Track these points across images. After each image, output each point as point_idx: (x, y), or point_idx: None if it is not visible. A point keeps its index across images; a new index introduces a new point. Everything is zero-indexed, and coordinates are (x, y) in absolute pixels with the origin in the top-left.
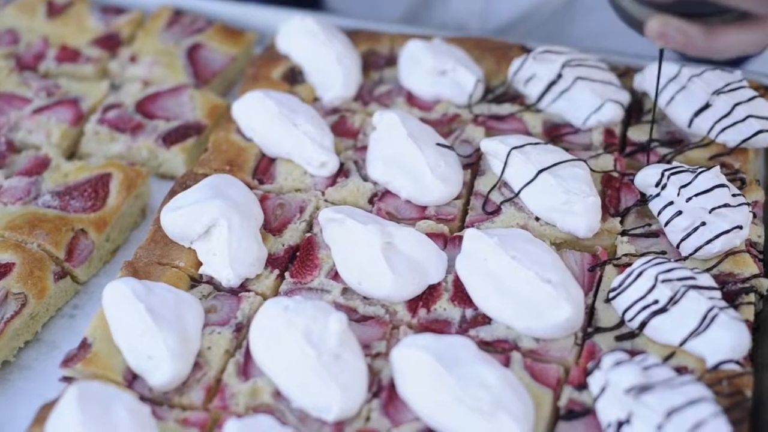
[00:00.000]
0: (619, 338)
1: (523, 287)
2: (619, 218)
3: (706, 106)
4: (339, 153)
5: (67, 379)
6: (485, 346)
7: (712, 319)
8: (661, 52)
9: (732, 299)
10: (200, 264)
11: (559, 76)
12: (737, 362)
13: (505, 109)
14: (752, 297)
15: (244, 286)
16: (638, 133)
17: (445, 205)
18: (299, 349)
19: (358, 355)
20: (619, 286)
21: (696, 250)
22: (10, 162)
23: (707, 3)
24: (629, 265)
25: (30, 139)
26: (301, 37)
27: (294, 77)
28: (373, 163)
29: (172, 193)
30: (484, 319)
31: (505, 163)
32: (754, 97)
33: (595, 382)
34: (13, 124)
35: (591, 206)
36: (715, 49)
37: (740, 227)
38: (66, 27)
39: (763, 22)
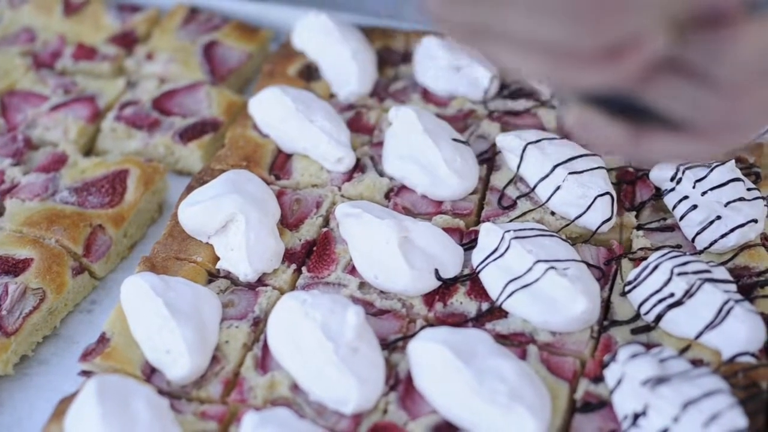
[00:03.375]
0: (634, 331)
1: (540, 281)
2: (634, 212)
3: None
4: (355, 149)
5: (86, 373)
6: (501, 339)
7: (728, 312)
8: None
9: (747, 292)
10: (218, 259)
11: None
12: (753, 355)
13: (521, 104)
14: (767, 290)
15: (261, 281)
16: None
17: (461, 200)
18: (317, 342)
19: (375, 349)
20: (635, 279)
21: (711, 244)
22: (27, 159)
23: (635, 104)
24: (645, 258)
25: (47, 136)
26: (316, 34)
27: (310, 74)
28: (389, 159)
29: (190, 189)
30: (501, 313)
31: (521, 158)
32: None
33: (611, 374)
34: (31, 121)
35: (606, 201)
36: (642, 155)
37: (755, 221)
38: (82, 25)
39: (701, 133)
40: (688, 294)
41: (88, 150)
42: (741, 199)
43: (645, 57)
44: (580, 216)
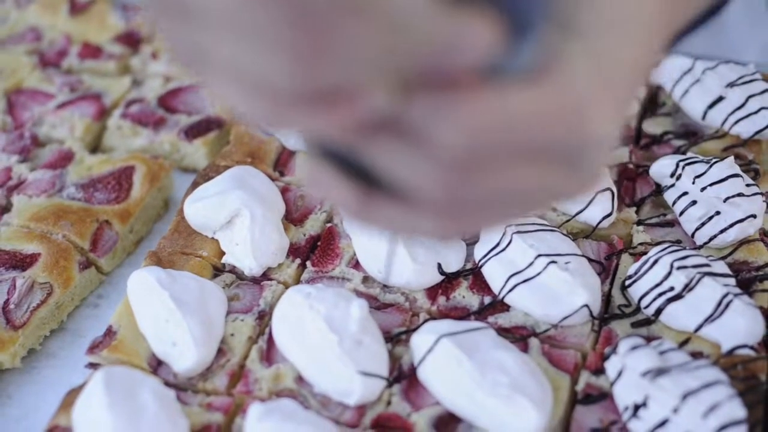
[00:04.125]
0: (635, 325)
1: (541, 275)
2: (634, 208)
3: (720, 98)
4: None
5: (93, 366)
6: (503, 332)
7: (727, 305)
8: None
9: (746, 287)
10: (223, 254)
11: None
12: (752, 347)
13: None
14: (766, 284)
15: (266, 275)
16: (653, 126)
17: None
18: (321, 334)
19: (379, 341)
20: (635, 273)
21: (711, 239)
22: (34, 156)
23: (362, 163)
24: (645, 253)
25: (54, 133)
26: None
27: None
28: None
29: (195, 185)
30: (503, 307)
31: None
32: (767, 90)
33: (611, 366)
34: (37, 118)
35: (607, 196)
36: (370, 220)
37: (754, 216)
38: (88, 24)
39: (428, 207)
40: (688, 288)
41: (95, 147)
42: (740, 194)
43: (359, 111)
44: (581, 211)
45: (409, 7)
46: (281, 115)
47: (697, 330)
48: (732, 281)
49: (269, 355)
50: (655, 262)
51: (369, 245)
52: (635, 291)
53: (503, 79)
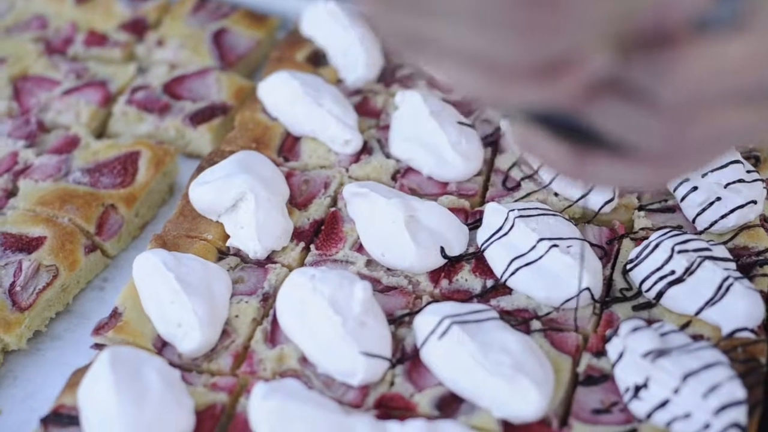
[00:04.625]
0: (636, 308)
1: (543, 258)
2: (636, 194)
3: None
4: (362, 132)
5: (98, 347)
6: (506, 315)
7: (728, 289)
8: None
9: (746, 271)
10: (228, 237)
11: None
12: (752, 330)
13: None
14: (767, 269)
15: (270, 258)
16: None
17: (466, 181)
18: (325, 315)
19: (382, 323)
20: (637, 257)
21: (711, 225)
22: (40, 141)
23: (579, 124)
24: (646, 238)
25: (60, 119)
26: (324, 21)
27: (318, 60)
28: (395, 141)
29: (200, 169)
30: (505, 290)
31: None
32: None
33: (613, 348)
34: (44, 105)
35: None
36: (586, 177)
37: (754, 202)
38: (94, 12)
39: (646, 159)
40: (689, 271)
41: (100, 133)
42: (740, 180)
43: (584, 76)
44: (583, 197)
45: None
46: (509, 90)
47: (697, 313)
48: (732, 265)
49: (273, 336)
50: (656, 246)
51: (372, 229)
52: (636, 275)
53: (709, 32)
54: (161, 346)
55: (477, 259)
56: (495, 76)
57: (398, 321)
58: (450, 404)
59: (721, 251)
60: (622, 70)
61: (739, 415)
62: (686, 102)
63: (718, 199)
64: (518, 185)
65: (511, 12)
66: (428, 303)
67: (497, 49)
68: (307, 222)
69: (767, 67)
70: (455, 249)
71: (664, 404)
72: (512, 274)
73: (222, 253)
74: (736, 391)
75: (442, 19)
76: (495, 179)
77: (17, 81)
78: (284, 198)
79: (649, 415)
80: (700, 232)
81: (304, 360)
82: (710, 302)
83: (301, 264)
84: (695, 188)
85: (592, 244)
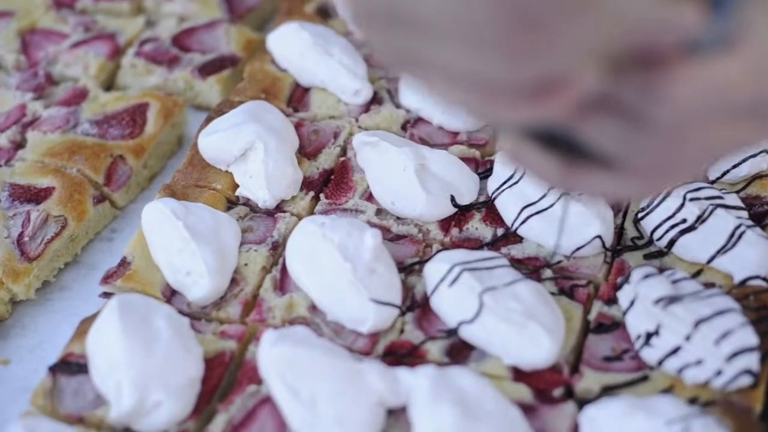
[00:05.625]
0: (647, 257)
1: (554, 206)
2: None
3: None
4: (372, 82)
5: (107, 295)
6: (516, 263)
7: (740, 237)
8: None
9: (759, 221)
10: (237, 186)
11: None
12: (764, 279)
13: None
14: None
15: (279, 208)
16: None
17: (477, 131)
18: (335, 263)
19: (392, 270)
20: (648, 206)
21: (724, 174)
22: (48, 93)
23: (569, 138)
24: None
25: (68, 72)
26: None
27: (327, 12)
28: (406, 91)
29: (209, 119)
30: (516, 238)
31: None
32: None
33: (624, 295)
34: (52, 58)
35: None
36: (576, 189)
37: (767, 151)
38: None
39: (635, 173)
40: (701, 219)
41: (108, 86)
42: None
43: (576, 94)
44: None
45: None
46: (502, 109)
47: (709, 261)
48: (745, 214)
49: (282, 284)
50: (668, 194)
51: (382, 178)
52: (648, 223)
53: (699, 52)
54: (170, 295)
55: (487, 207)
56: (488, 95)
57: (408, 269)
58: (460, 351)
59: (733, 200)
60: (613, 90)
61: (752, 361)
62: (677, 122)
63: None
64: None
65: (504, 34)
66: (438, 251)
67: (490, 70)
68: (316, 171)
69: (758, 86)
70: (465, 198)
71: (675, 351)
72: (523, 222)
73: (231, 203)
74: (749, 337)
75: (435, 41)
76: None
77: (25, 34)
78: (294, 147)
79: (660, 362)
80: (713, 182)
81: (313, 308)
82: (722, 250)
83: (311, 213)
84: None
85: None
